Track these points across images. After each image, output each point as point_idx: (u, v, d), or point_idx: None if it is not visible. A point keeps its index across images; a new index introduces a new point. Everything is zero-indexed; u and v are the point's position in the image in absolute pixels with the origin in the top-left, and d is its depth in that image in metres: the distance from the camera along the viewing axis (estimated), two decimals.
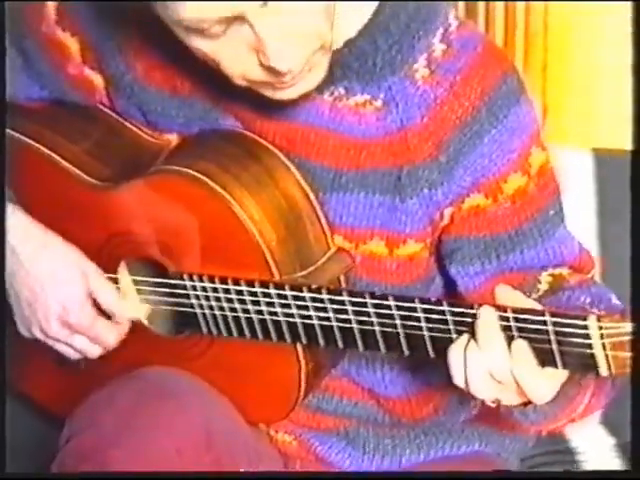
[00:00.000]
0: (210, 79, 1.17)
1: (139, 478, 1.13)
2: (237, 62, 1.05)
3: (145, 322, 1.26)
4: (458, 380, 1.04)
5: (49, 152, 1.25)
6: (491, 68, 1.15)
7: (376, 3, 1.14)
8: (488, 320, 1.03)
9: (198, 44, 1.04)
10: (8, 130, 1.25)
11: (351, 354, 1.23)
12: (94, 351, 1.25)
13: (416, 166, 1.15)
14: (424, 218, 1.17)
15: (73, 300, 1.21)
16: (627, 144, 1.55)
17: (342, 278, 1.20)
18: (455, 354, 1.05)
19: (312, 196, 1.18)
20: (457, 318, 1.06)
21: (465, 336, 1.05)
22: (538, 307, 1.05)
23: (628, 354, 1.01)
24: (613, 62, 2.07)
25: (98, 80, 1.26)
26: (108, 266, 1.23)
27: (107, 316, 1.24)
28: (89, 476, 1.16)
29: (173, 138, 1.25)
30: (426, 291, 1.21)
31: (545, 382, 1.04)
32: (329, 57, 1.09)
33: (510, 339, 1.03)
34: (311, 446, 1.29)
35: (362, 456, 1.29)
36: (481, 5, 2.09)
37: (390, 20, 1.13)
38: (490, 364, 1.03)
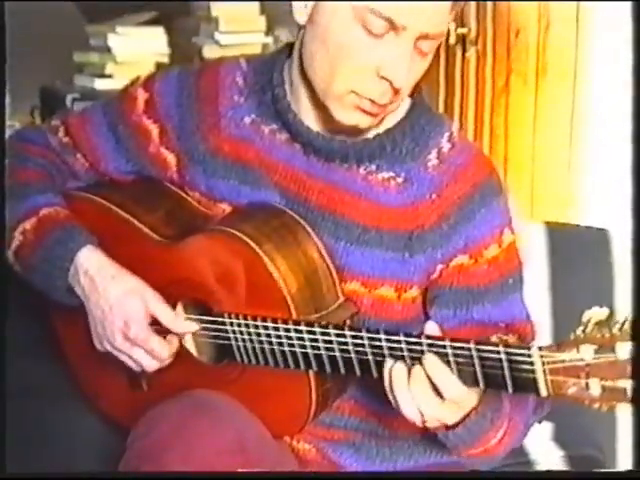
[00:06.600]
0: (271, 148, 1.43)
1: (145, 478, 1.26)
2: (360, 68, 1.31)
3: (195, 352, 1.44)
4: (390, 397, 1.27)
5: (128, 216, 1.48)
6: (482, 166, 1.44)
7: (406, 107, 1.43)
8: None
9: (344, 36, 1.30)
10: (99, 199, 1.51)
11: (359, 381, 1.41)
12: (150, 364, 1.41)
13: (424, 231, 1.41)
14: (425, 271, 1.41)
15: (133, 317, 1.39)
16: (570, 219, 1.83)
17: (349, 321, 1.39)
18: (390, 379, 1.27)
19: (326, 256, 1.40)
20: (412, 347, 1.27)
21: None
22: None
23: (563, 378, 1.18)
24: (555, 158, 2.39)
25: (170, 158, 1.52)
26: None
27: (162, 336, 1.40)
28: (95, 476, 1.30)
29: (224, 206, 1.47)
30: (418, 327, 1.39)
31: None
32: (392, 108, 1.38)
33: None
34: (326, 453, 1.48)
35: (365, 461, 1.47)
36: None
37: (414, 122, 1.43)
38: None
